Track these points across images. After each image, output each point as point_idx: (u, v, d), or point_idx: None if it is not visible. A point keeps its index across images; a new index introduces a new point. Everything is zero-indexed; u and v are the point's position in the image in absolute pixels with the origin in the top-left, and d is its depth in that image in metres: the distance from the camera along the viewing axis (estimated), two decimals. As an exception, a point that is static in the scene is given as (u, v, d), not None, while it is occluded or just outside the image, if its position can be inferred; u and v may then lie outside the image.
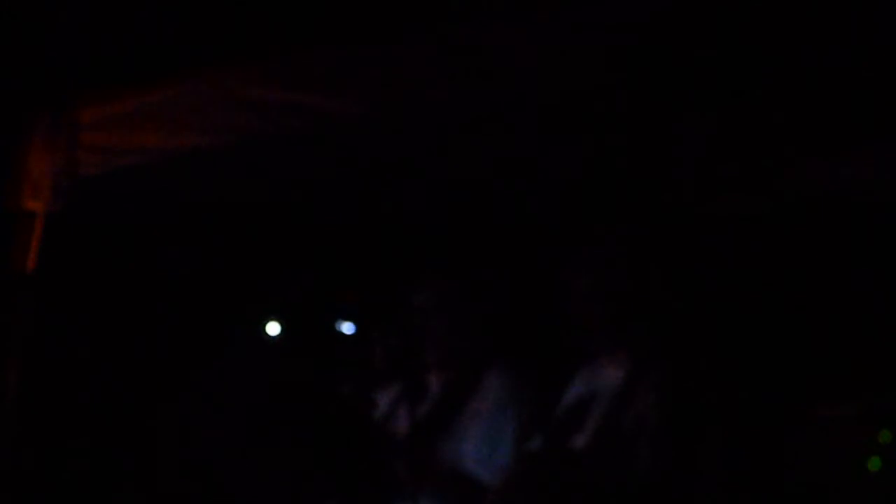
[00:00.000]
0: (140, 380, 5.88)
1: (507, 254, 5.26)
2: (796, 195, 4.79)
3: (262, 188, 5.08)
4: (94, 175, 4.56)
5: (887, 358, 4.80)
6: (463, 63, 4.03)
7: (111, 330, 5.77)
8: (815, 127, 4.42)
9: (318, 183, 5.03)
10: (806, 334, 4.97)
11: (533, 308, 4.83)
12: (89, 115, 4.46)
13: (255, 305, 6.24)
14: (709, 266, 4.77)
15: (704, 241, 4.85)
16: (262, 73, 4.29)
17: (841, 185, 4.70)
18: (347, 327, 6.23)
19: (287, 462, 5.41)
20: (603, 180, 4.82)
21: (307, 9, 3.95)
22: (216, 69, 4.30)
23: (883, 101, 4.15)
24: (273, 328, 6.33)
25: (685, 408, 3.98)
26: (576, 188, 4.91)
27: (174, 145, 4.52)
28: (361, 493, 4.36)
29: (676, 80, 4.09)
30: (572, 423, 4.06)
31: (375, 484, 4.34)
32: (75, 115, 4.45)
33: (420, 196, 5.12)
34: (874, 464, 4.71)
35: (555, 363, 4.37)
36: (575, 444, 4.02)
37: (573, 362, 4.26)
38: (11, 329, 4.54)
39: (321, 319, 6.22)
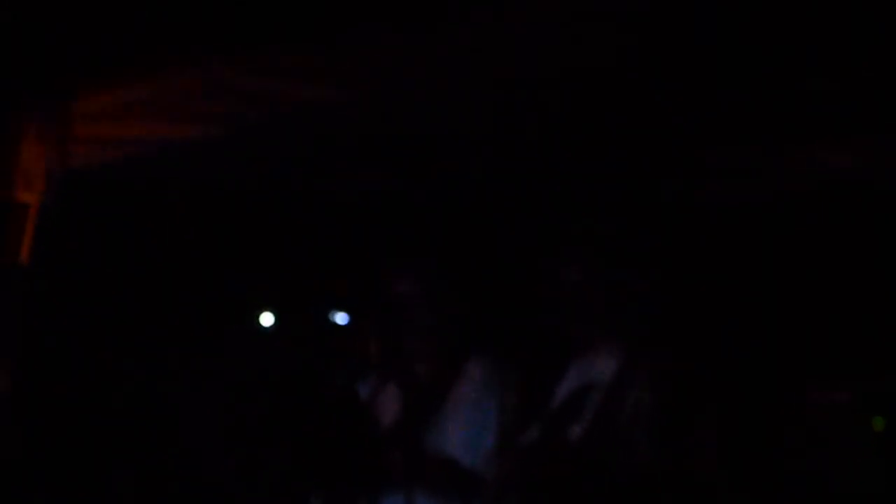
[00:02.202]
0: (132, 370, 5.88)
1: (499, 242, 5.27)
2: (791, 184, 4.80)
3: (254, 178, 5.08)
4: (86, 166, 4.56)
5: (881, 345, 4.81)
6: (452, 53, 4.03)
7: (104, 321, 5.77)
8: (808, 117, 4.43)
9: (309, 173, 5.04)
10: (800, 322, 4.98)
11: (525, 297, 4.83)
12: (82, 107, 4.45)
13: (250, 296, 6.25)
14: (703, 254, 4.78)
15: (698, 229, 4.86)
16: (253, 65, 4.29)
17: (836, 174, 4.70)
18: (341, 318, 6.23)
19: (279, 451, 5.41)
20: (596, 169, 4.83)
21: (299, 2, 3.95)
22: (208, 60, 4.29)
23: (879, 92, 4.15)
24: (267, 319, 6.33)
25: (680, 396, 3.98)
26: (568, 177, 4.91)
27: (166, 136, 4.52)
28: (354, 483, 4.36)
29: (670, 69, 4.08)
30: (567, 413, 4.06)
31: (368, 473, 4.35)
32: (68, 106, 4.45)
33: (409, 185, 5.12)
34: (878, 423, 4.72)
35: (548, 352, 4.37)
36: (569, 434, 4.02)
37: (566, 351, 4.26)
38: (4, 320, 4.53)
39: (315, 310, 6.23)
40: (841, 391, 4.84)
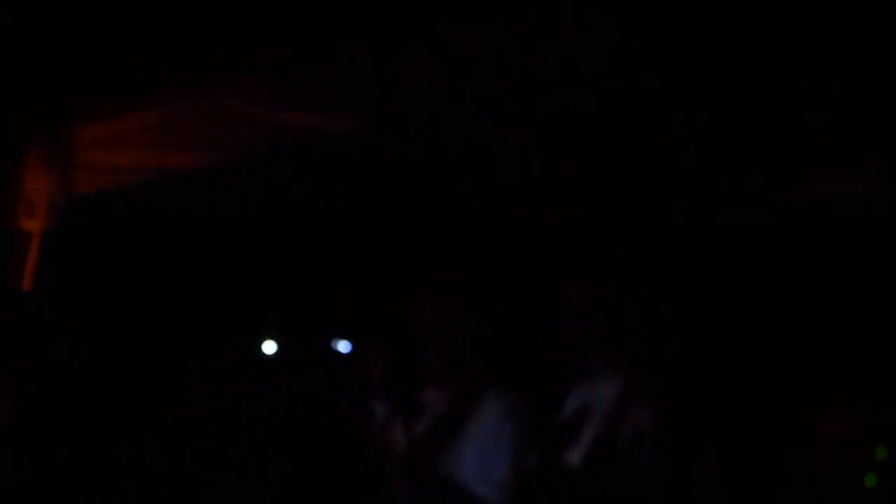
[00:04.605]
0: (135, 397, 5.87)
1: (506, 272, 5.27)
2: (795, 210, 4.80)
3: (257, 205, 5.09)
4: (89, 193, 4.56)
5: (884, 373, 4.80)
6: (455, 74, 4.04)
7: (106, 347, 5.77)
8: (814, 142, 4.43)
9: (314, 199, 5.04)
10: (803, 350, 4.98)
11: (530, 326, 4.83)
12: (85, 134, 4.47)
13: (252, 323, 6.24)
14: (705, 282, 4.78)
15: (700, 257, 4.86)
16: (256, 91, 4.31)
17: (841, 200, 4.70)
18: (344, 346, 6.23)
19: (285, 479, 5.40)
20: (600, 197, 4.83)
21: (302, 27, 3.97)
22: (211, 88, 4.31)
23: (884, 116, 4.16)
24: (269, 346, 6.33)
25: (682, 423, 3.98)
26: (573, 204, 4.92)
27: (169, 163, 4.53)
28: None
29: (678, 93, 4.09)
30: (570, 439, 4.07)
31: (374, 501, 4.34)
32: (71, 133, 4.46)
33: (417, 212, 5.13)
34: (870, 480, 4.70)
35: (552, 380, 4.37)
36: (573, 460, 4.02)
37: (570, 379, 4.26)
38: (6, 347, 4.54)
39: (318, 337, 6.23)
40: (844, 420, 4.82)
